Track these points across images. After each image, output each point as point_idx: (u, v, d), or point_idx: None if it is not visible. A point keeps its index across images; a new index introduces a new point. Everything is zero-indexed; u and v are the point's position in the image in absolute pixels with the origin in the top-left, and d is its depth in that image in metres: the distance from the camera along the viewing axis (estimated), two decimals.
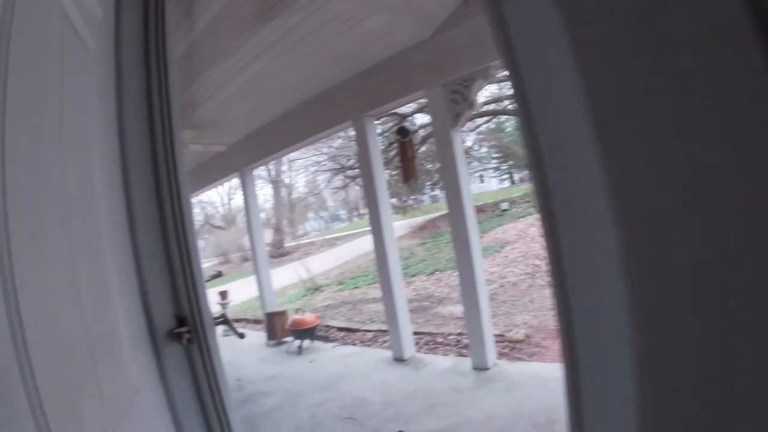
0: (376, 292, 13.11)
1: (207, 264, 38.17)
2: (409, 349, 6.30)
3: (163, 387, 1.85)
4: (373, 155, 6.17)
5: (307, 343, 7.96)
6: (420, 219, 23.05)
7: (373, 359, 6.61)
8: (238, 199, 40.96)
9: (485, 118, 22.97)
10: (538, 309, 8.32)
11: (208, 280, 28.15)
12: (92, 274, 1.41)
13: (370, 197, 6.22)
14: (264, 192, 38.68)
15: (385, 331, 7.96)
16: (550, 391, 4.43)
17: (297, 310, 8.06)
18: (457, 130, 5.29)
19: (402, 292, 6.36)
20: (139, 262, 1.81)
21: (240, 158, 9.19)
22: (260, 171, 35.12)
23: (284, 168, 37.74)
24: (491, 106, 19.60)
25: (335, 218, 62.05)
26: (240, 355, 8.40)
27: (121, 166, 1.80)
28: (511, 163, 33.12)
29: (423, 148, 21.58)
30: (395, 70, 5.58)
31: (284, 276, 17.89)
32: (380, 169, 6.26)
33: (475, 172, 36.65)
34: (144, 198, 1.85)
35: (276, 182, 35.44)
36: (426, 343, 7.12)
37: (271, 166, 34.50)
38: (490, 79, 4.99)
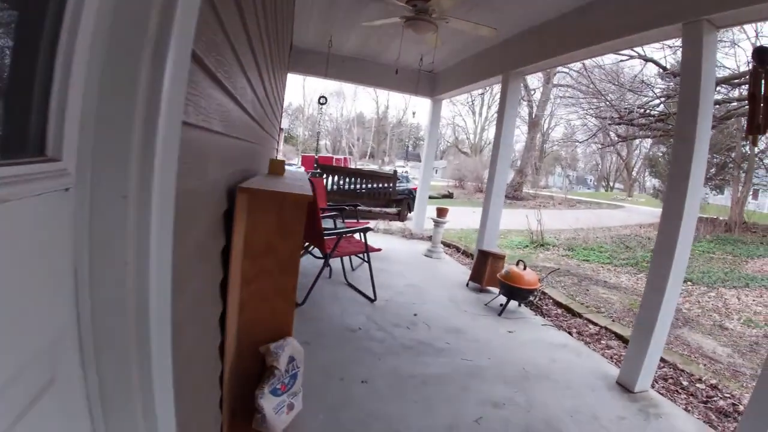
0: (609, 274, 11.22)
1: (443, 183, 39.60)
2: (644, 379, 4.50)
3: None
4: (704, 84, 4.12)
5: (514, 304, 6.56)
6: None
7: (589, 367, 4.95)
8: (490, 133, 41.11)
9: None
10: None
11: (437, 198, 29.34)
12: None
13: (680, 156, 4.25)
14: (519, 132, 38.42)
15: (615, 333, 6.23)
16: None
17: (518, 262, 6.55)
18: None
19: (674, 302, 4.48)
20: None
21: (508, 55, 7.63)
22: (522, 111, 34.30)
23: (547, 112, 36.50)
24: None
25: (581, 181, 59.35)
26: (432, 283, 7.31)
27: None
28: None
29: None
30: None
31: (512, 220, 16.76)
32: (709, 109, 4.20)
33: (757, 184, 31.22)
34: None
35: (533, 124, 33.89)
36: (665, 378, 5.18)
37: (534, 106, 33.36)
38: None
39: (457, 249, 11.08)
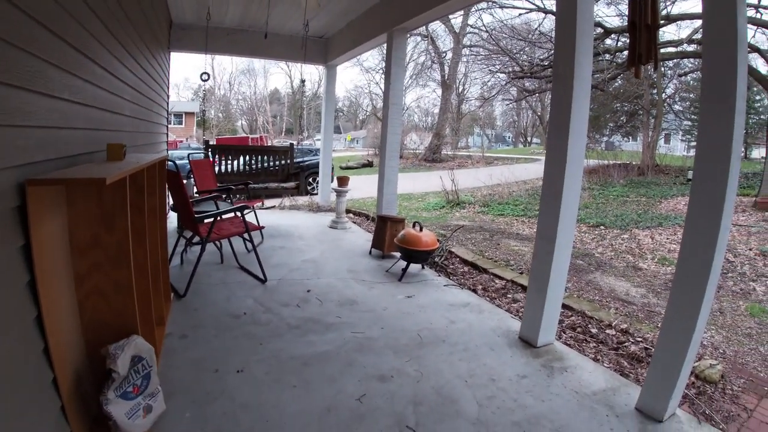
0: (523, 226, 11.11)
1: (362, 153, 39.73)
2: (547, 332, 4.17)
3: None
4: (580, 17, 3.78)
5: (416, 267, 6.19)
6: (592, 162, 20.27)
7: (490, 326, 4.58)
8: (408, 97, 41.11)
9: (693, 61, 19.12)
10: (731, 327, 5.85)
11: (356, 168, 29.29)
12: None
13: (560, 99, 3.90)
14: (435, 94, 38.70)
15: (522, 286, 5.90)
16: None
17: (414, 224, 6.14)
18: None
19: (569, 249, 4.14)
20: None
21: (391, 11, 7.21)
22: (435, 74, 34.35)
23: (460, 74, 36.80)
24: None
25: (500, 139, 60.39)
26: (333, 255, 6.91)
27: None
28: None
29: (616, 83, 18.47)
30: None
31: (430, 182, 16.99)
32: (588, 48, 3.88)
33: (666, 128, 32.48)
34: None
35: (447, 86, 33.93)
36: (573, 328, 4.90)
37: (446, 69, 33.53)
38: None
39: (367, 217, 10.66)
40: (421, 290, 5.51)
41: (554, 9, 14.78)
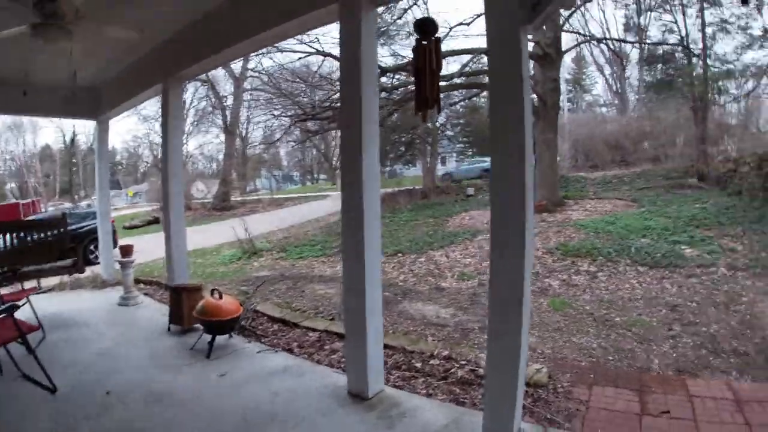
0: (324, 267, 10.97)
1: (147, 209, 37.65)
2: (375, 380, 4.01)
3: None
4: (365, 60, 3.83)
5: (223, 338, 5.57)
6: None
7: (316, 388, 4.26)
8: (190, 145, 39.60)
9: (461, 92, 20.96)
10: (542, 326, 6.27)
11: (141, 226, 27.27)
12: None
13: (351, 145, 3.91)
14: (219, 139, 37.77)
15: (337, 334, 5.70)
16: None
17: (213, 291, 5.57)
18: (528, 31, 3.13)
19: (379, 289, 4.06)
20: None
21: (166, 60, 6.70)
22: (218, 119, 33.59)
23: (243, 118, 36.54)
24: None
25: (288, 179, 60.63)
26: (129, 339, 6.01)
27: None
28: (474, 150, 32.53)
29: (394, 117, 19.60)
30: None
31: (223, 233, 16.06)
32: (373, 86, 3.95)
33: (442, 153, 35.09)
34: None
35: (230, 131, 33.39)
36: (397, 367, 4.80)
37: (228, 114, 33.00)
38: None
39: (160, 285, 9.34)
40: (235, 364, 4.98)
41: (332, 52, 15.30)
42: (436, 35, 3.51)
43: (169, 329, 6.18)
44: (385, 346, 4.96)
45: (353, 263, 3.92)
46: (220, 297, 5.40)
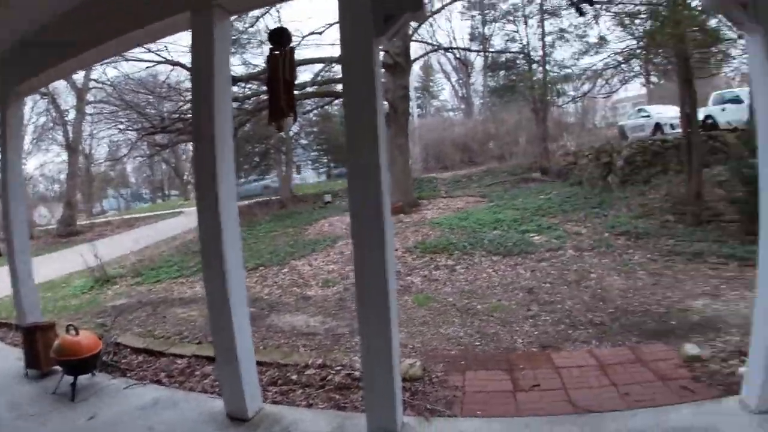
0: (184, 288, 10.45)
1: None
2: (253, 398, 3.88)
3: None
4: (218, 70, 3.67)
5: (86, 377, 5.04)
6: None
7: (193, 415, 4.04)
8: (30, 165, 35.82)
9: (314, 101, 21.02)
10: (409, 322, 6.44)
11: None
12: None
13: (204, 157, 3.74)
14: (60, 158, 34.51)
15: (206, 358, 5.43)
16: None
17: (68, 328, 5.02)
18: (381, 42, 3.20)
19: (244, 303, 3.95)
20: None
21: (4, 74, 5.94)
22: (59, 136, 30.87)
23: (86, 133, 33.78)
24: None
25: (137, 197, 57.50)
26: None
27: None
28: (330, 157, 32.91)
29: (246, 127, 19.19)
30: None
31: (72, 261, 14.61)
32: (227, 96, 3.84)
33: (297, 161, 34.97)
34: None
35: (73, 148, 30.66)
36: (274, 382, 4.69)
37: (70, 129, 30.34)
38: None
39: (9, 326, 7.98)
40: (102, 404, 4.54)
41: (181, 60, 14.64)
42: (290, 45, 3.50)
43: (26, 374, 5.43)
44: (259, 363, 4.83)
45: (216, 282, 3.77)
46: (77, 333, 4.90)
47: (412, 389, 4.28)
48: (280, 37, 3.46)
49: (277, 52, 3.44)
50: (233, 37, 15.69)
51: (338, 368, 4.80)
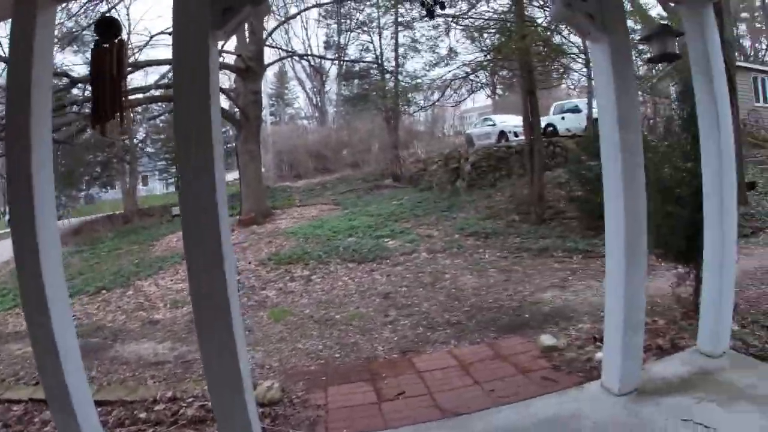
0: (21, 320, 9.27)
1: None
2: None
3: None
4: (38, 61, 3.08)
5: None
6: (75, 221, 19.17)
7: None
8: None
9: (162, 106, 19.89)
10: (265, 340, 6.25)
11: None
12: None
13: (17, 162, 3.21)
14: None
15: (43, 401, 4.82)
16: None
17: None
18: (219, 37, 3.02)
19: (73, 336, 3.40)
20: None
21: None
22: None
23: None
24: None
25: None
26: None
27: None
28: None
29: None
30: None
31: None
32: (47, 93, 3.27)
33: (143, 171, 32.98)
34: None
35: None
36: (121, 424, 4.24)
37: None
38: None
39: None
40: None
41: None
42: (120, 37, 3.10)
43: None
44: (102, 403, 4.44)
45: (36, 315, 3.19)
46: None
47: (272, 414, 4.10)
48: (108, 28, 3.07)
49: (104, 45, 3.05)
50: (75, 33, 14.64)
51: (190, 399, 4.48)
